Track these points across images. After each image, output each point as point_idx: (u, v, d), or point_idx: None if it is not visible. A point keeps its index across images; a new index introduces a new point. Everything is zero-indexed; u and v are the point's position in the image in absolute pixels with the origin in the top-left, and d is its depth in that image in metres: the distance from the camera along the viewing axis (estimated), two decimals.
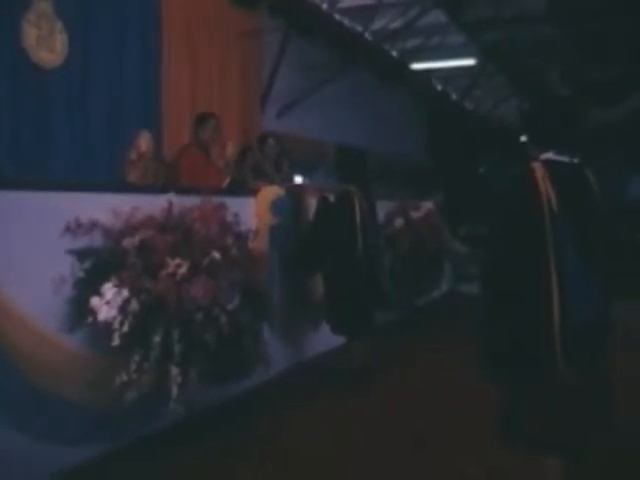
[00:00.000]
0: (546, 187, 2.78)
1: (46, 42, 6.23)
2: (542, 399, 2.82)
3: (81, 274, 3.54)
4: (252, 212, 5.11)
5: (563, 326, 2.76)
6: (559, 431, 2.81)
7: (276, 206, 5.31)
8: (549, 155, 2.91)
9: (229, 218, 4.26)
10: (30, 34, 6.07)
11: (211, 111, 6.63)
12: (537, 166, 2.84)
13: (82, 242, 3.59)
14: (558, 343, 2.75)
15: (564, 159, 2.92)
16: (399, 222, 7.66)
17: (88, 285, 3.54)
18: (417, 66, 13.53)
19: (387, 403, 4.99)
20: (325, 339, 6.14)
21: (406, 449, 4.11)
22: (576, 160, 2.97)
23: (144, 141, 5.68)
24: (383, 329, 7.30)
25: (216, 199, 4.27)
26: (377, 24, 11.62)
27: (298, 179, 9.07)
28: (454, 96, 17.42)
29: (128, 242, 3.68)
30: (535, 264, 2.79)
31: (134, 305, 3.51)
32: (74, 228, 3.55)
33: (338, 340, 6.02)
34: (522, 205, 2.86)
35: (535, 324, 2.79)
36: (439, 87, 16.55)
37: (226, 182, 5.96)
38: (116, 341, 3.45)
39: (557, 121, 3.00)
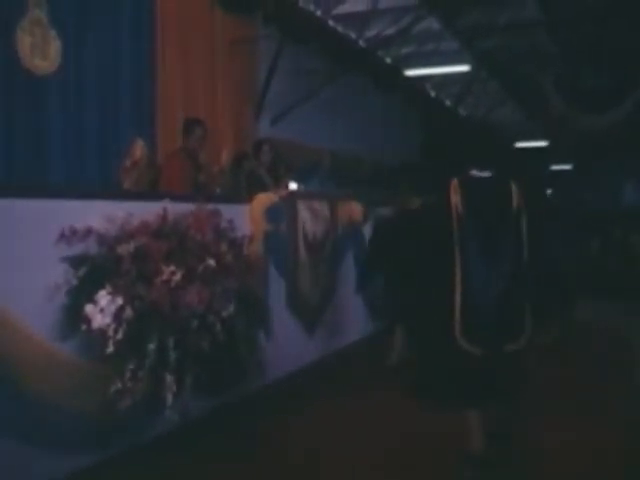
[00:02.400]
0: (455, 196, 3.68)
1: (40, 49, 6.22)
2: (446, 365, 3.67)
3: (75, 281, 3.51)
4: (247, 219, 5.10)
5: (464, 306, 3.57)
6: (458, 392, 3.63)
7: (271, 212, 5.31)
8: (473, 172, 3.83)
9: (224, 225, 4.26)
10: (24, 41, 6.06)
11: (201, 118, 6.63)
12: (454, 181, 3.76)
13: (76, 249, 3.56)
14: (458, 320, 3.56)
15: (484, 175, 3.82)
16: None
17: (82, 292, 3.51)
18: (411, 72, 13.57)
19: (388, 406, 4.98)
20: (320, 346, 6.14)
21: (406, 449, 4.12)
22: (497, 175, 3.85)
23: (138, 149, 5.68)
24: (378, 334, 7.32)
25: (211, 206, 4.26)
26: (371, 31, 11.66)
27: (293, 186, 9.06)
28: (448, 102, 17.47)
29: (123, 249, 3.66)
30: (444, 255, 3.62)
31: (128, 312, 3.49)
32: (68, 235, 3.53)
33: (334, 346, 6.03)
34: (438, 209, 3.79)
35: (442, 304, 3.62)
36: (433, 93, 16.60)
37: (217, 191, 5.98)
38: (110, 349, 3.43)
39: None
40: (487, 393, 3.66)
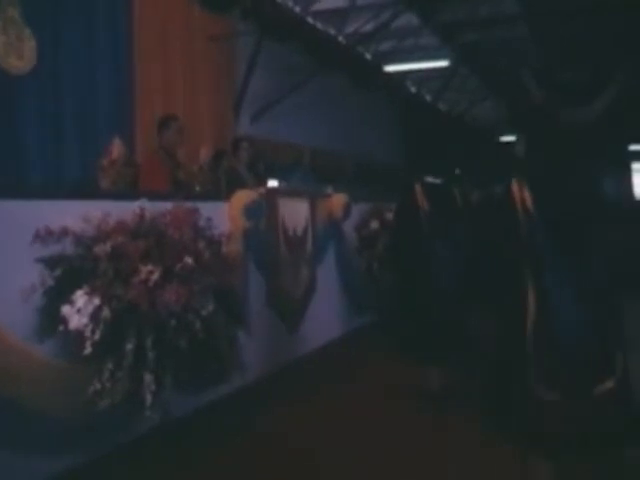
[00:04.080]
0: (421, 197, 4.88)
1: (14, 49, 6.16)
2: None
3: (51, 282, 3.48)
4: (226, 216, 5.08)
5: (434, 286, 4.86)
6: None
7: (250, 210, 5.29)
8: (427, 179, 5.06)
9: (202, 223, 4.23)
10: None
11: (180, 116, 6.60)
12: (417, 185, 4.96)
13: (52, 250, 3.53)
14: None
15: (436, 181, 5.11)
16: (374, 224, 7.69)
17: (59, 293, 3.47)
18: (391, 68, 13.59)
19: (372, 402, 4.99)
20: (302, 343, 6.13)
21: (400, 446, 4.11)
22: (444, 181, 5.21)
23: (116, 148, 5.64)
24: (361, 330, 7.34)
25: (188, 204, 4.24)
26: (350, 27, 11.67)
27: (273, 183, 9.05)
28: (428, 98, 17.52)
29: (99, 249, 3.62)
30: (415, 250, 4.87)
31: (106, 313, 3.45)
32: (44, 236, 3.49)
33: (315, 344, 6.02)
34: (407, 207, 5.07)
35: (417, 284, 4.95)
36: (413, 89, 16.63)
37: (197, 189, 5.95)
38: (88, 349, 3.40)
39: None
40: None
